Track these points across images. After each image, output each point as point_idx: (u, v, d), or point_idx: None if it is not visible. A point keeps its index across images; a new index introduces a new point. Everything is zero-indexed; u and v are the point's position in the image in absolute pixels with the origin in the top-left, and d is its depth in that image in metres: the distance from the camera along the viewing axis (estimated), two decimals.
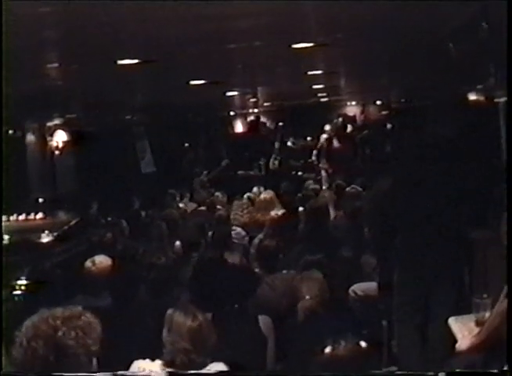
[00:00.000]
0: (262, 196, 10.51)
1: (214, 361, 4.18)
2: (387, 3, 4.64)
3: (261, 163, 18.50)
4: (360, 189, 10.44)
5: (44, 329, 2.83)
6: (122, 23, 4.87)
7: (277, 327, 5.43)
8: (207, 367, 4.09)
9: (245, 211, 10.16)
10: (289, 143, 19.78)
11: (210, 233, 8.76)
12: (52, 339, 2.81)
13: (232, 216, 10.03)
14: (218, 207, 11.42)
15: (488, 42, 5.46)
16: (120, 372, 3.94)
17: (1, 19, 3.90)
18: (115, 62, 6.66)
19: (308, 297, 5.32)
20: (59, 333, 2.82)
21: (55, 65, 6.95)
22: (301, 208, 9.86)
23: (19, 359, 2.83)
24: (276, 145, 18.87)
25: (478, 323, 4.08)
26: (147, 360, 4.14)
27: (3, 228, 8.74)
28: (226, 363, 4.16)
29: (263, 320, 5.35)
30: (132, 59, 6.66)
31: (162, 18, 4.71)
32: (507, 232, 3.33)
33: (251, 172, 18.17)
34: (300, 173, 17.67)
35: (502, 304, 3.39)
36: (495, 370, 3.04)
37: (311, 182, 14.71)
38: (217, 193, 12.86)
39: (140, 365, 4.10)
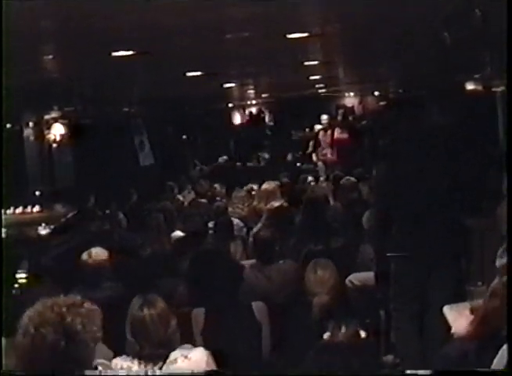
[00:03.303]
0: (264, 186, 10.49)
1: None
2: None
3: (260, 154, 18.54)
4: (355, 179, 10.45)
5: (51, 316, 2.83)
6: (117, 14, 4.86)
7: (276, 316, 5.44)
8: (185, 353, 4.05)
9: (246, 204, 10.17)
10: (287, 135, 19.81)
11: (209, 225, 8.78)
12: (61, 325, 2.81)
13: (231, 208, 10.03)
14: (217, 198, 11.43)
15: (483, 31, 5.46)
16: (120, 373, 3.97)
17: (1, 16, 3.89)
18: (110, 53, 6.64)
19: (321, 290, 5.26)
20: (68, 319, 2.83)
21: (51, 57, 6.94)
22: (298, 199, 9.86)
23: (27, 348, 2.81)
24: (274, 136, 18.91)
25: (473, 311, 4.08)
26: (124, 356, 4.14)
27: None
28: (214, 350, 4.13)
29: (257, 307, 5.33)
30: (128, 51, 6.65)
31: (157, 8, 4.69)
32: (507, 223, 3.33)
33: (250, 164, 18.19)
34: (298, 164, 17.70)
35: (491, 301, 3.39)
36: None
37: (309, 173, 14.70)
38: (215, 185, 12.87)
39: (117, 362, 4.09)
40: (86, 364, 2.88)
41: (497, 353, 3.06)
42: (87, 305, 2.93)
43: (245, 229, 9.11)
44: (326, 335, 4.03)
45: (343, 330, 4.01)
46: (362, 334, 4.08)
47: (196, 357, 4.01)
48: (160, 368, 3.97)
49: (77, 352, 2.83)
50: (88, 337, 2.86)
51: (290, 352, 5.03)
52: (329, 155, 16.08)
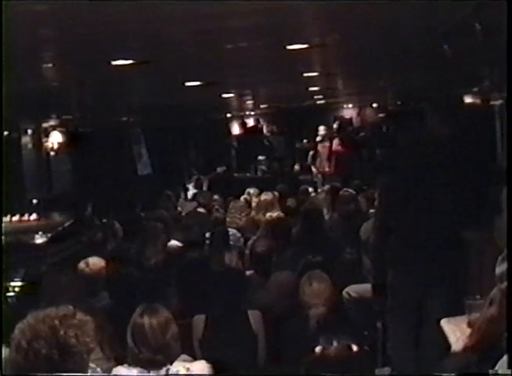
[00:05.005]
0: (263, 197, 10.50)
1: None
2: (383, 4, 4.64)
3: (258, 165, 18.54)
4: (353, 191, 10.45)
5: (43, 329, 2.78)
6: (117, 24, 4.86)
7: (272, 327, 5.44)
8: (187, 366, 4.08)
9: (243, 214, 10.17)
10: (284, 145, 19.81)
11: (207, 235, 8.77)
12: (54, 338, 2.77)
13: (229, 218, 10.03)
14: (216, 207, 11.43)
15: (483, 44, 5.47)
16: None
17: (1, 20, 3.88)
18: (110, 62, 6.65)
19: (318, 302, 5.25)
20: (61, 332, 2.78)
21: (51, 65, 6.94)
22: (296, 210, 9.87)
23: (21, 363, 2.75)
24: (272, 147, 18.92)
25: (471, 325, 4.07)
26: (125, 365, 4.15)
27: None
28: (212, 361, 4.16)
29: (253, 315, 5.34)
30: (127, 60, 6.65)
31: (157, 18, 4.70)
32: (507, 233, 3.31)
33: (248, 174, 18.18)
34: (296, 175, 17.70)
35: (490, 309, 3.38)
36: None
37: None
38: (214, 195, 12.86)
39: (118, 369, 4.11)
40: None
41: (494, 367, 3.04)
42: (79, 315, 2.88)
43: (242, 240, 9.10)
44: (317, 349, 4.04)
45: (334, 344, 4.02)
46: (354, 347, 4.08)
47: (198, 369, 4.05)
48: None
49: (71, 365, 2.81)
50: (81, 349, 2.83)
51: (286, 362, 5.03)
52: (327, 167, 16.10)
